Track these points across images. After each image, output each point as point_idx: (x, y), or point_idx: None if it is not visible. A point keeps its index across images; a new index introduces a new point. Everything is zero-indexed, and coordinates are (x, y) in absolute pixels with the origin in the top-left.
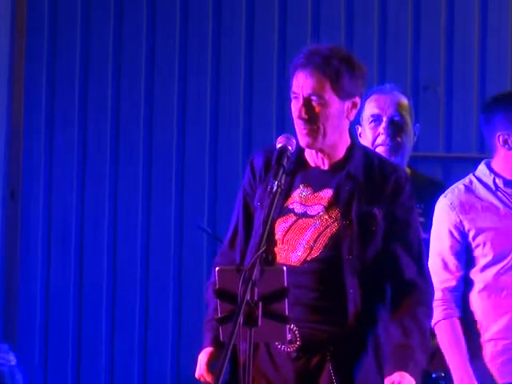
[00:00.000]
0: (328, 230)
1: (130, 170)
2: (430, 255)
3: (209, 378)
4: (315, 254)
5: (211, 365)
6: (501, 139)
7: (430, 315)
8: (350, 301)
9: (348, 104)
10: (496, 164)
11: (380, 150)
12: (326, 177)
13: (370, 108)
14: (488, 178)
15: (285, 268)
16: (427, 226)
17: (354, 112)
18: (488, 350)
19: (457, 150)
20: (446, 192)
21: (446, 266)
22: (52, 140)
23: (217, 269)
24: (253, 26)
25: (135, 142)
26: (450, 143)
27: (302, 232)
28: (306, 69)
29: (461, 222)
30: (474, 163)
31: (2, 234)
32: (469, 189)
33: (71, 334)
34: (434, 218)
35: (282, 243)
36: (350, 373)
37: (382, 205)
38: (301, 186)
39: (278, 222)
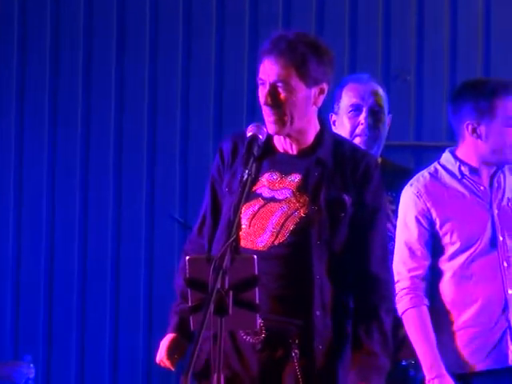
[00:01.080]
0: (296, 214)
1: (100, 159)
2: (396, 244)
3: (168, 364)
4: (282, 238)
5: (171, 351)
6: (469, 128)
7: (391, 309)
8: (316, 288)
9: (315, 90)
10: (462, 152)
11: (358, 139)
12: (294, 162)
13: (349, 97)
14: (453, 166)
15: (255, 256)
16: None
17: (322, 98)
18: (459, 339)
19: (427, 139)
20: (411, 181)
21: (413, 254)
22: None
23: (187, 258)
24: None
25: (105, 131)
26: (420, 132)
27: (268, 216)
28: (271, 55)
29: (428, 210)
30: (443, 151)
31: None
32: (434, 177)
33: (42, 323)
34: (399, 207)
35: (249, 227)
36: (315, 366)
37: (352, 191)
38: (269, 171)
39: (245, 207)
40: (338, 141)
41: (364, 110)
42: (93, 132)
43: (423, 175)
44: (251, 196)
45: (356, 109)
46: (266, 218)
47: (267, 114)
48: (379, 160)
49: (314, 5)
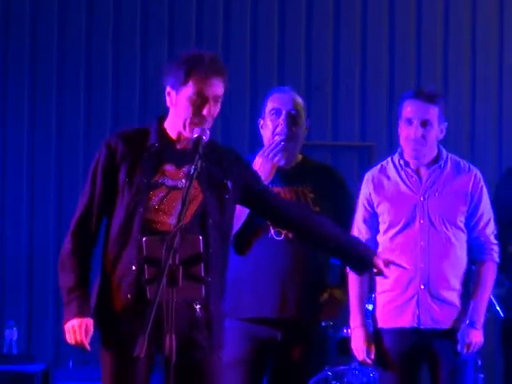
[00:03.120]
0: (195, 200)
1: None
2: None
3: (86, 345)
4: (186, 220)
5: (86, 332)
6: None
7: None
8: (211, 259)
9: None
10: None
11: (278, 137)
12: (187, 156)
13: (272, 103)
14: (397, 161)
15: (201, 237)
16: (316, 199)
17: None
18: (380, 300)
19: (342, 139)
20: (371, 170)
21: (357, 229)
22: None
23: (144, 239)
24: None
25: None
26: (336, 133)
27: (173, 202)
28: (217, 74)
29: (370, 194)
30: (357, 150)
31: None
32: (383, 168)
33: (23, 293)
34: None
35: (159, 211)
36: (209, 316)
37: (231, 177)
38: (168, 164)
39: (153, 194)
40: (212, 140)
41: (283, 113)
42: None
43: (377, 166)
44: (156, 184)
45: (276, 112)
46: (171, 203)
47: (206, 122)
48: (300, 157)
49: (248, 27)
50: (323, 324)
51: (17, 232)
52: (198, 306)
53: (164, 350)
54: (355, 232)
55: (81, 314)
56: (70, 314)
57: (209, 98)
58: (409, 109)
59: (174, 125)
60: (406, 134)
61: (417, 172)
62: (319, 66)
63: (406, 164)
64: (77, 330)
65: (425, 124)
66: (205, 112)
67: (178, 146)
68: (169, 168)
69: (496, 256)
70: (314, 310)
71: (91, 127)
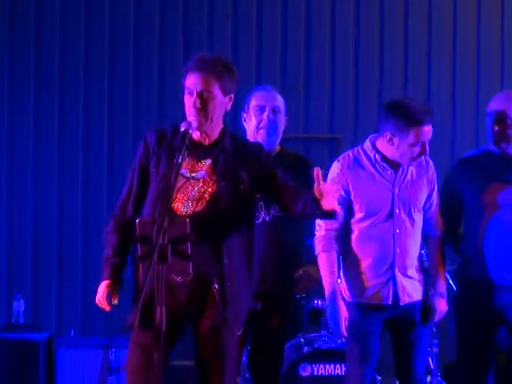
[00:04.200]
0: (209, 189)
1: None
2: None
3: (104, 305)
4: (200, 207)
5: (108, 294)
6: (387, 137)
7: None
8: (224, 243)
9: (227, 98)
10: (380, 145)
11: (262, 131)
12: (206, 150)
13: (256, 100)
14: (371, 153)
15: (188, 219)
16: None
17: (230, 104)
18: (359, 279)
19: (313, 132)
20: (339, 158)
21: None
22: None
23: (137, 220)
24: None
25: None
26: (307, 127)
27: (190, 190)
28: (196, 71)
29: (346, 182)
30: (326, 142)
31: None
32: (356, 158)
33: (29, 269)
34: (328, 177)
35: (175, 199)
36: (225, 294)
37: (247, 168)
38: (188, 157)
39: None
40: (233, 134)
41: (267, 109)
42: None
43: (348, 155)
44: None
45: (260, 109)
46: (188, 192)
47: (193, 114)
48: (278, 148)
49: (229, 34)
50: (297, 296)
51: (23, 211)
52: (216, 283)
53: (155, 319)
54: None
55: (104, 277)
56: (102, 277)
57: (192, 92)
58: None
59: None
60: (411, 153)
61: (391, 166)
62: (293, 66)
63: (382, 159)
64: (98, 291)
65: None
66: (187, 105)
67: (198, 141)
68: (188, 161)
69: (443, 232)
70: (289, 284)
71: (114, 114)
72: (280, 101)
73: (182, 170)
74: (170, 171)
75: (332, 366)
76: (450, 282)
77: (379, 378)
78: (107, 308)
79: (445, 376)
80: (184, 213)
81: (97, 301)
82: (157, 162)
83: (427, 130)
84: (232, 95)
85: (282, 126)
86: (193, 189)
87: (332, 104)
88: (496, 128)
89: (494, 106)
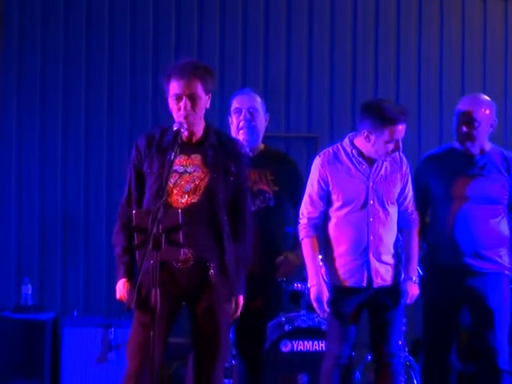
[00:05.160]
0: (202, 181)
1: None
2: (304, 195)
3: (127, 301)
4: (196, 198)
5: (127, 291)
6: (364, 134)
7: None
8: (222, 228)
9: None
10: (357, 142)
11: (241, 131)
12: (194, 147)
13: (235, 104)
14: (349, 149)
15: (180, 210)
16: (275, 180)
17: (209, 102)
18: (336, 263)
19: (294, 131)
20: (320, 153)
21: (312, 203)
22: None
23: (134, 212)
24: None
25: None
26: (288, 126)
27: (185, 184)
28: (181, 76)
29: (326, 175)
30: (305, 140)
31: None
32: (335, 154)
33: (37, 255)
34: (311, 170)
35: (172, 192)
36: (225, 275)
37: (233, 162)
38: (179, 154)
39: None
40: (217, 130)
41: (243, 111)
42: None
43: (328, 151)
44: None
45: (238, 111)
46: (183, 185)
47: (183, 116)
48: (262, 146)
49: (217, 40)
50: (279, 280)
51: (31, 201)
52: (212, 269)
53: (150, 301)
54: (311, 205)
55: (120, 276)
56: (118, 276)
57: (181, 96)
58: (396, 133)
59: None
60: (386, 149)
61: (367, 161)
62: (274, 72)
63: (359, 154)
64: (117, 289)
65: None
66: (175, 108)
67: (187, 139)
68: (179, 158)
69: (417, 223)
70: (271, 269)
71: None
72: (258, 102)
73: (176, 167)
74: (163, 170)
75: (310, 342)
76: (418, 267)
77: (353, 353)
78: (131, 304)
79: (411, 352)
80: (181, 205)
81: (119, 298)
82: (150, 163)
83: (401, 128)
84: (210, 94)
85: (261, 126)
86: (187, 182)
87: (310, 106)
88: (463, 128)
89: (462, 108)
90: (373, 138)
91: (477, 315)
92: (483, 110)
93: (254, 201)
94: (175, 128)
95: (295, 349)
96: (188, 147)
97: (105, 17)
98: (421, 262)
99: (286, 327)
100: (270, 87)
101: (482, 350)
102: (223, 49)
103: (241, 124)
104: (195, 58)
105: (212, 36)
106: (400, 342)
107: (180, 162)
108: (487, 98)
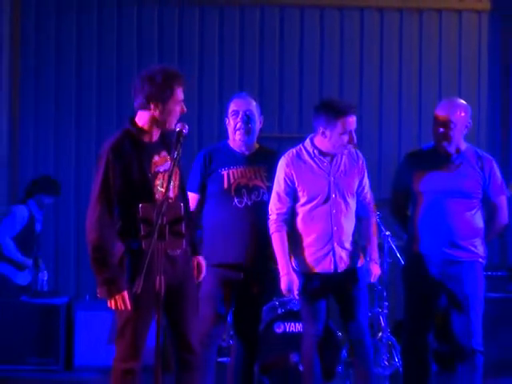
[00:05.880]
0: (177, 176)
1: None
2: (272, 193)
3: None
4: (175, 191)
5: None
6: (321, 131)
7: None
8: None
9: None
10: (316, 141)
11: (238, 132)
12: (160, 145)
13: (232, 106)
14: (310, 148)
15: (182, 204)
16: (268, 176)
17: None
18: (305, 253)
19: (286, 132)
20: (284, 155)
21: (280, 199)
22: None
23: (140, 205)
24: None
25: None
26: (281, 127)
27: (166, 179)
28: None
29: (292, 174)
30: (296, 140)
31: None
32: (298, 154)
33: (52, 244)
34: (277, 170)
35: (162, 188)
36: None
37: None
38: (155, 154)
39: (157, 178)
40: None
41: (240, 113)
42: None
43: (292, 152)
44: (155, 170)
45: (236, 113)
46: (165, 180)
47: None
48: (257, 145)
49: (216, 50)
50: (272, 267)
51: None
52: (179, 255)
53: (155, 286)
54: (279, 201)
55: (123, 288)
56: (121, 288)
57: (181, 102)
58: (345, 124)
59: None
60: (341, 142)
61: (327, 158)
62: (269, 79)
63: (319, 153)
64: (123, 302)
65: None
66: (178, 112)
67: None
68: (156, 159)
69: (373, 211)
70: (267, 257)
71: None
72: (254, 105)
73: (159, 168)
74: (145, 171)
75: (301, 324)
76: (398, 255)
77: (340, 334)
78: (138, 289)
79: (394, 333)
80: (171, 199)
81: (124, 309)
82: (129, 171)
83: (352, 120)
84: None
85: (256, 127)
86: (167, 179)
87: (300, 109)
88: (440, 129)
89: (440, 111)
90: (328, 132)
91: (453, 300)
92: (459, 112)
93: (249, 195)
94: (178, 128)
95: (287, 330)
96: (154, 147)
97: (113, 34)
98: (402, 252)
99: (279, 310)
100: (265, 92)
101: (458, 332)
102: (222, 58)
103: (238, 125)
104: (197, 65)
105: (211, 47)
106: (381, 324)
107: (159, 161)
108: (463, 101)
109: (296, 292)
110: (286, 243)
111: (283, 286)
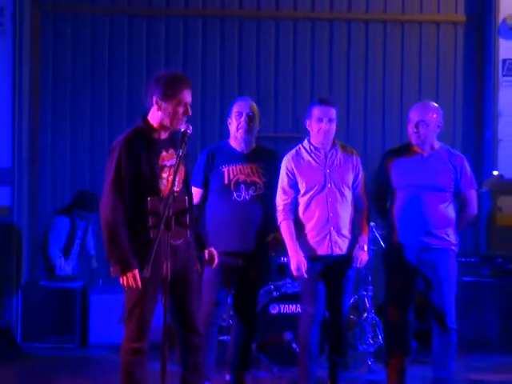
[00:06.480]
0: (182, 172)
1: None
2: (278, 187)
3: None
4: (180, 186)
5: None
6: (308, 126)
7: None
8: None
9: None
10: (312, 139)
11: (240, 131)
12: (168, 143)
13: (236, 108)
14: (307, 146)
15: (187, 197)
16: (265, 173)
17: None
18: (307, 237)
19: (281, 132)
20: (287, 154)
21: (285, 192)
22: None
23: (149, 198)
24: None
25: None
26: (277, 128)
27: (171, 174)
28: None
29: (292, 169)
30: (291, 140)
31: None
32: (298, 152)
33: None
34: (281, 167)
35: (167, 181)
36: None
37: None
38: (163, 150)
39: (163, 172)
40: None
41: (244, 114)
42: None
43: (292, 151)
44: (162, 165)
45: (239, 114)
46: (171, 174)
47: (182, 120)
48: (254, 144)
49: (217, 57)
50: (269, 255)
51: (63, 176)
52: (181, 244)
53: (162, 272)
54: (284, 194)
55: (135, 266)
56: (132, 266)
57: (187, 104)
58: (317, 112)
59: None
60: (318, 128)
61: (322, 153)
62: (266, 83)
63: (317, 149)
64: (135, 279)
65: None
66: (182, 113)
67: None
68: (164, 154)
69: (366, 204)
70: (263, 245)
71: None
72: (255, 108)
73: (165, 162)
74: (153, 163)
75: (294, 305)
76: (382, 243)
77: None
78: (148, 273)
79: (377, 313)
80: (176, 193)
81: (135, 287)
82: (138, 162)
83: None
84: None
85: (256, 128)
86: (172, 173)
87: (294, 111)
88: (415, 130)
89: (414, 113)
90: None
91: (428, 283)
92: (431, 114)
93: (247, 190)
94: (183, 129)
95: (282, 311)
96: (164, 143)
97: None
98: (383, 240)
99: (275, 293)
100: (261, 96)
101: (433, 312)
102: (223, 65)
103: (240, 125)
104: (200, 72)
105: (213, 55)
106: (366, 305)
107: (166, 157)
108: (435, 104)
109: (304, 271)
110: (294, 230)
111: (293, 266)
